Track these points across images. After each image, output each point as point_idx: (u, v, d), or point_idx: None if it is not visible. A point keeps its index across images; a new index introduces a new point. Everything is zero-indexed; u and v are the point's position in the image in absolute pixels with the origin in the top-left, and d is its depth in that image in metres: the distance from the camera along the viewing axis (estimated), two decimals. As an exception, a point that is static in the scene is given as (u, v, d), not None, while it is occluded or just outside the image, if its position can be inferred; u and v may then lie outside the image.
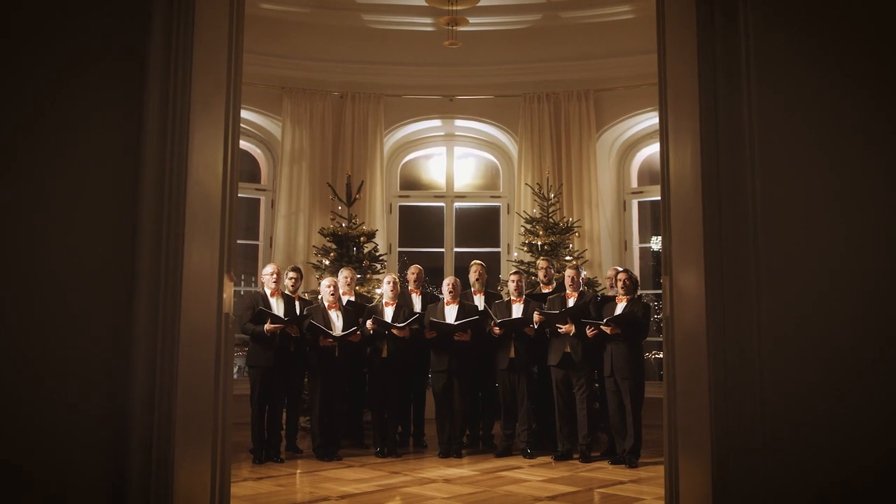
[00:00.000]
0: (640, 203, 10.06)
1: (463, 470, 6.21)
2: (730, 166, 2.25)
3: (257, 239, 9.92)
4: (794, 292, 2.17)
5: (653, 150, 10.07)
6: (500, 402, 6.93)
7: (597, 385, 6.86)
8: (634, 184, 10.08)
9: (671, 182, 2.80)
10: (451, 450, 6.77)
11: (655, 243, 10.52)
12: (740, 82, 2.38)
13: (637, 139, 10.01)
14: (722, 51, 2.45)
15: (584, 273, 7.07)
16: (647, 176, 10.23)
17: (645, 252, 10.18)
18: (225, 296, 2.71)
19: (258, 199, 10.01)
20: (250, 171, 10.26)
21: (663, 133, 3.09)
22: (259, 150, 10.05)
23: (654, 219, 10.58)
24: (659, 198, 9.56)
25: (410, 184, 10.44)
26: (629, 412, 6.38)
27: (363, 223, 8.69)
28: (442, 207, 10.21)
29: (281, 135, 9.51)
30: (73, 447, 2.16)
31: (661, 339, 10.10)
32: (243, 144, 9.97)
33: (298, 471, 6.23)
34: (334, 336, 6.56)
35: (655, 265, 11.43)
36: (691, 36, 2.53)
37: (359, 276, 8.04)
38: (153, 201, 2.16)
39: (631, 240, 9.87)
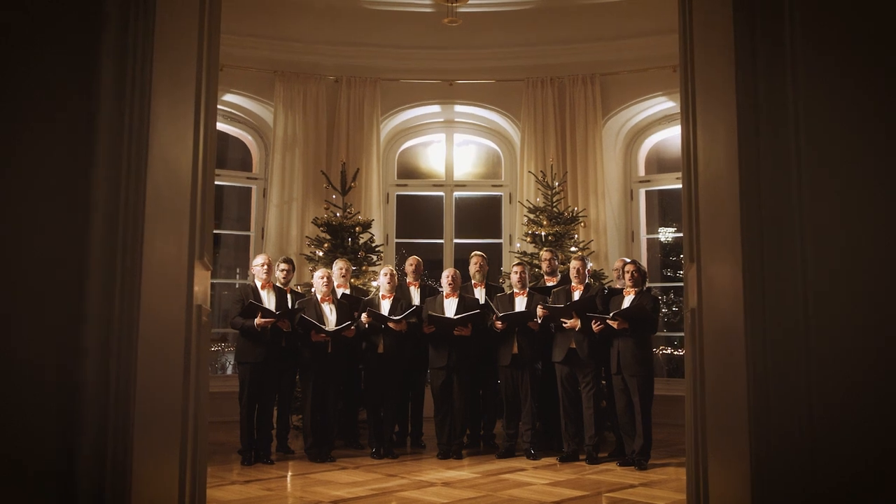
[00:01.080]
0: (647, 192, 9.81)
1: (463, 472, 5.97)
2: (771, 149, 2.00)
3: (249, 229, 9.67)
4: (843, 282, 1.92)
5: (661, 136, 9.84)
6: (503, 401, 6.69)
7: (603, 382, 6.62)
8: (642, 172, 9.83)
9: (699, 167, 2.55)
10: (450, 450, 6.54)
11: (663, 234, 10.28)
12: (783, 61, 2.11)
13: (645, 125, 9.76)
14: (762, 31, 2.19)
15: (589, 265, 6.82)
16: (654, 164, 9.98)
17: (653, 243, 9.94)
18: (197, 286, 2.46)
19: (249, 188, 9.76)
20: (241, 158, 10.01)
21: (687, 117, 2.83)
22: (250, 137, 9.79)
23: (663, 208, 10.33)
24: (667, 186, 9.43)
25: (408, 172, 10.19)
26: (638, 411, 6.14)
27: (359, 213, 8.44)
28: (441, 197, 9.96)
29: (273, 121, 9.25)
30: (19, 456, 1.92)
31: (670, 335, 9.90)
32: (233, 131, 9.73)
33: (289, 473, 5.99)
34: (327, 331, 6.31)
35: (664, 257, 11.20)
36: (724, 17, 2.27)
37: (354, 268, 7.80)
38: (107, 180, 1.91)
39: (638, 230, 9.62)
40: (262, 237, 9.15)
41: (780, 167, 2.02)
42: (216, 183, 9.39)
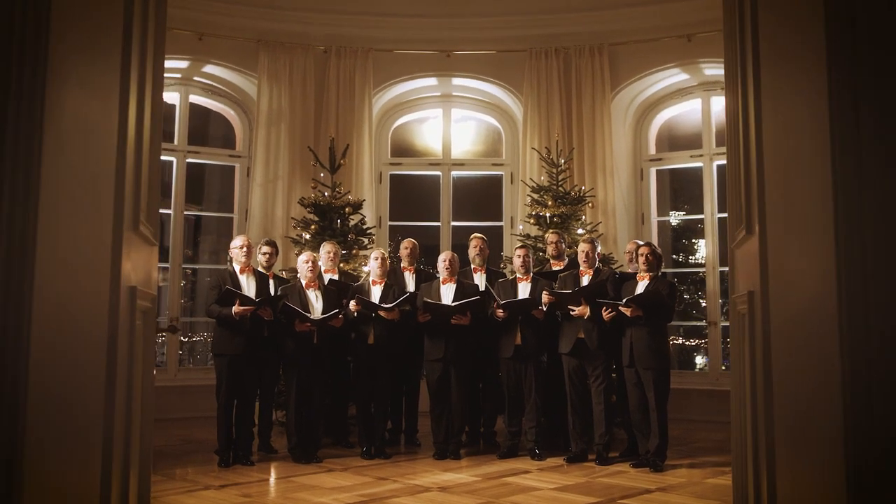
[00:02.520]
0: (658, 171, 9.35)
1: (461, 474, 5.54)
2: (871, 114, 1.57)
3: (232, 211, 9.19)
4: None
5: (674, 112, 9.39)
6: (504, 395, 6.25)
7: (613, 375, 6.19)
8: (652, 150, 9.38)
9: (763, 133, 2.12)
10: (447, 450, 6.12)
11: (675, 217, 9.84)
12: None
13: (656, 100, 9.31)
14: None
15: (599, 248, 6.37)
16: (665, 141, 9.52)
17: (663, 226, 9.49)
18: (129, 264, 2.01)
19: (233, 167, 9.28)
20: (224, 135, 9.53)
21: (738, 80, 2.39)
22: (232, 112, 9.30)
23: (674, 189, 9.90)
24: (680, 165, 8.95)
25: (402, 150, 9.73)
26: (653, 407, 5.72)
27: (349, 193, 7.98)
28: (438, 176, 9.51)
29: (257, 94, 8.76)
30: None
31: (678, 324, 9.46)
32: (214, 105, 9.26)
33: (270, 476, 5.55)
34: (312, 319, 5.87)
35: (675, 241, 10.76)
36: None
37: (344, 251, 7.36)
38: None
39: (649, 212, 9.17)
40: (246, 219, 8.67)
41: (883, 133, 1.58)
42: (195, 161, 9.02)
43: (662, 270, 6.13)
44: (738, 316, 2.57)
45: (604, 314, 5.83)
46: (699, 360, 11.56)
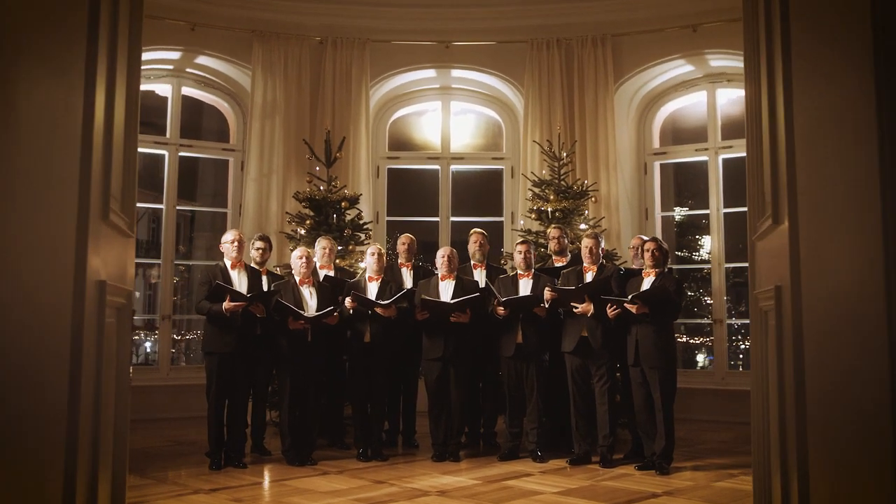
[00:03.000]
0: (662, 166, 9.18)
1: (461, 478, 5.37)
2: None
3: (226, 206, 9.02)
4: None
5: (678, 104, 9.23)
6: (505, 396, 6.09)
7: (618, 375, 6.03)
8: (657, 144, 9.20)
9: (794, 118, 1.95)
10: (446, 452, 5.96)
11: (679, 213, 9.67)
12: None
13: (660, 92, 9.15)
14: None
15: (602, 243, 6.20)
16: (670, 135, 9.36)
17: (668, 222, 9.32)
18: (97, 256, 1.84)
19: (226, 161, 9.10)
20: (218, 128, 9.36)
21: (769, 69, 2.23)
22: (226, 105, 9.12)
23: (679, 184, 9.74)
24: (685, 160, 8.77)
25: (400, 143, 9.56)
26: (659, 407, 5.56)
27: (345, 187, 7.80)
28: (437, 171, 9.34)
29: (251, 86, 8.59)
30: None
31: (687, 321, 9.29)
32: (207, 98, 9.08)
33: (262, 479, 5.39)
34: (306, 317, 5.70)
35: (679, 236, 10.60)
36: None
37: (340, 247, 7.19)
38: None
39: (653, 207, 9.01)
40: (240, 214, 8.49)
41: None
42: (188, 155, 8.84)
43: (668, 266, 5.96)
44: (759, 313, 2.41)
45: (608, 311, 5.67)
46: (700, 359, 11.42)
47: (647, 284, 5.71)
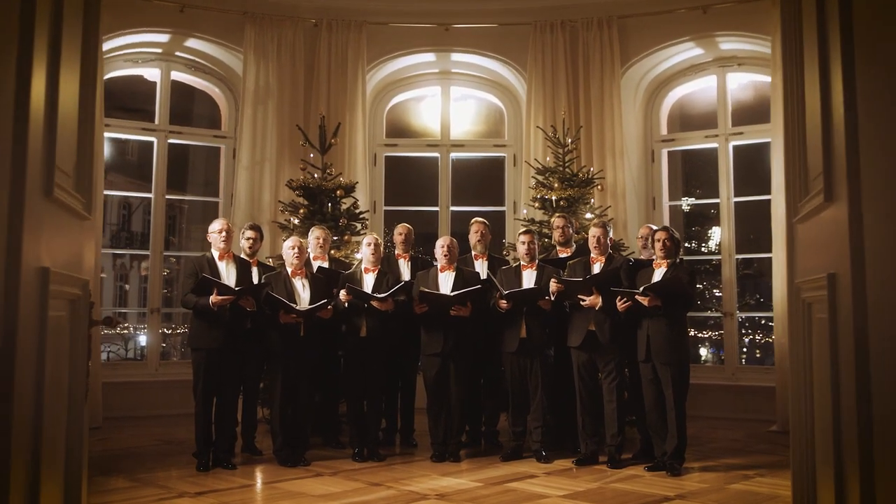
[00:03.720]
0: (669, 153, 8.91)
1: (462, 479, 5.13)
2: None
3: (217, 196, 8.75)
4: None
5: (687, 89, 8.96)
6: (508, 393, 5.84)
7: (626, 371, 5.78)
8: (664, 130, 8.93)
9: (857, 98, 1.69)
10: (446, 452, 5.73)
11: (687, 202, 9.40)
12: None
13: (668, 76, 8.87)
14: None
15: (611, 232, 5.93)
16: (678, 121, 9.08)
17: (675, 212, 9.04)
18: (35, 238, 1.58)
19: (218, 149, 8.83)
20: (209, 115, 9.08)
21: (821, 38, 1.98)
22: (217, 90, 8.84)
23: (687, 172, 9.46)
24: (693, 147, 8.49)
25: (398, 130, 9.29)
26: (671, 406, 5.31)
27: (340, 175, 7.53)
28: (436, 158, 9.07)
29: (243, 70, 8.30)
30: None
31: (696, 315, 9.00)
32: (198, 83, 8.81)
33: (251, 482, 5.14)
34: (298, 310, 5.44)
35: (686, 227, 10.34)
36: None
37: (335, 237, 6.94)
38: None
39: (660, 196, 8.75)
40: (232, 203, 8.22)
41: None
42: (177, 142, 8.57)
43: (680, 257, 5.70)
44: (801, 304, 2.15)
45: (618, 304, 5.41)
46: (703, 353, 11.18)
47: (658, 276, 5.46)
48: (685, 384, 5.41)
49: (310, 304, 5.53)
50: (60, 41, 1.84)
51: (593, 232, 5.79)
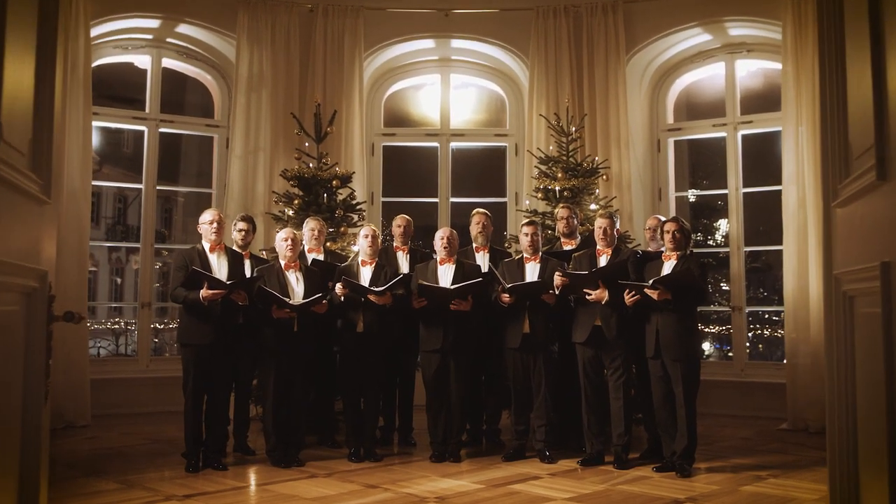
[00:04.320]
0: (676, 142, 8.70)
1: (462, 481, 4.94)
2: None
3: (210, 186, 8.54)
4: None
5: (694, 77, 8.76)
6: (510, 390, 5.64)
7: (634, 368, 5.59)
8: (670, 119, 8.72)
9: None
10: (446, 452, 5.54)
11: (694, 193, 9.19)
12: None
13: (675, 63, 8.67)
14: None
15: (618, 223, 5.73)
16: (684, 109, 8.87)
17: (682, 203, 8.84)
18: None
19: (211, 138, 8.62)
20: (202, 103, 8.87)
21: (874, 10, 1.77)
22: (210, 77, 8.62)
23: (693, 163, 9.26)
24: (700, 136, 8.28)
25: (397, 119, 9.08)
26: (681, 403, 5.12)
27: (336, 164, 7.32)
28: (436, 148, 8.86)
29: (236, 57, 8.08)
30: None
31: (704, 310, 8.77)
32: (190, 70, 8.59)
33: (244, 483, 4.95)
34: (292, 305, 5.24)
35: (693, 218, 10.14)
36: None
37: (331, 229, 6.74)
38: None
39: (667, 187, 8.54)
40: (225, 194, 8.00)
41: None
42: (169, 131, 8.36)
43: (690, 249, 5.50)
44: (840, 297, 1.95)
45: (626, 298, 5.21)
46: (706, 347, 11.01)
47: (667, 268, 5.26)
48: (696, 381, 5.21)
49: (304, 299, 5.33)
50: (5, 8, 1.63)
51: (599, 223, 5.59)
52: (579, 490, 4.69)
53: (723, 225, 10.24)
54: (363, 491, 4.67)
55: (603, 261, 5.49)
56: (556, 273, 5.45)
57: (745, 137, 8.23)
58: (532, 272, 5.60)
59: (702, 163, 9.39)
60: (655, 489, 4.72)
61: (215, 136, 8.55)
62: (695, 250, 5.60)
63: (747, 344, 8.15)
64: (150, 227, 8.14)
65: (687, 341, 5.14)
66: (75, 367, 6.94)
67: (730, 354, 8.43)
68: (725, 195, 8.30)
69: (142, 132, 8.18)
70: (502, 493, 4.64)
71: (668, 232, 5.32)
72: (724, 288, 10.02)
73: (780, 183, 7.45)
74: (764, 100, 8.33)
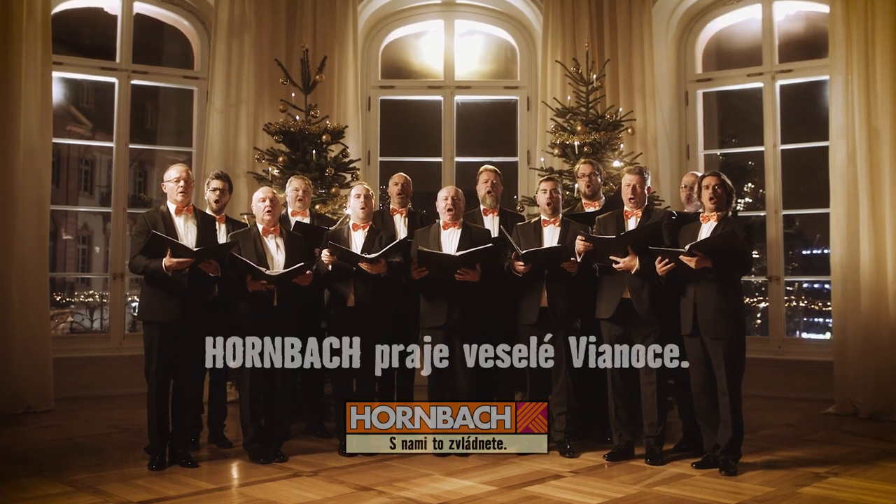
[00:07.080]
0: (705, 94, 7.94)
1: (470, 481, 4.26)
2: None
3: (190, 145, 7.80)
4: None
5: (725, 22, 8.00)
6: (525, 372, 4.94)
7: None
8: (699, 69, 7.95)
9: None
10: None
11: (725, 151, 8.42)
12: None
13: (705, 6, 7.93)
14: None
15: (649, 180, 4.99)
16: (713, 58, 8.08)
17: (711, 161, 8.08)
18: None
19: (190, 91, 7.86)
20: (181, 53, 8.09)
21: None
22: (188, 24, 7.84)
23: (723, 117, 8.47)
24: (732, 87, 7.41)
25: (396, 71, 8.35)
26: (724, 390, 4.44)
27: (327, 117, 6.58)
28: (439, 102, 8.13)
29: (215, 0, 7.29)
30: None
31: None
32: (166, 16, 7.81)
33: (215, 485, 4.26)
34: (270, 276, 4.54)
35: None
36: None
37: (322, 190, 6.04)
38: None
39: (695, 144, 7.80)
40: (205, 152, 7.26)
41: None
42: (143, 83, 7.59)
43: (733, 208, 4.75)
44: None
45: (658, 267, 4.49)
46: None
47: (706, 231, 4.55)
48: (740, 363, 4.53)
49: (285, 268, 4.62)
50: None
51: (628, 179, 4.85)
52: (608, 493, 4.02)
53: (753, 187, 9.47)
54: (353, 494, 4.00)
55: (632, 223, 4.77)
56: (579, 237, 4.74)
57: (783, 88, 7.46)
58: (551, 236, 4.90)
59: (731, 118, 8.62)
60: (698, 491, 4.04)
61: (195, 89, 7.79)
62: (738, 210, 4.91)
63: (784, 318, 7.43)
64: (122, 190, 7.41)
65: (730, 317, 4.44)
66: (36, 343, 6.28)
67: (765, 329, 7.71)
68: (759, 153, 7.55)
69: (112, 84, 7.42)
70: (518, 497, 3.96)
71: (706, 187, 4.58)
72: (755, 255, 9.28)
73: (824, 138, 6.73)
74: (806, 46, 7.55)
